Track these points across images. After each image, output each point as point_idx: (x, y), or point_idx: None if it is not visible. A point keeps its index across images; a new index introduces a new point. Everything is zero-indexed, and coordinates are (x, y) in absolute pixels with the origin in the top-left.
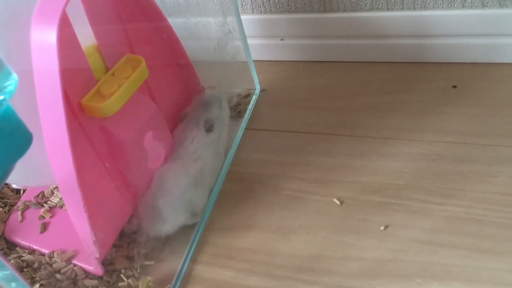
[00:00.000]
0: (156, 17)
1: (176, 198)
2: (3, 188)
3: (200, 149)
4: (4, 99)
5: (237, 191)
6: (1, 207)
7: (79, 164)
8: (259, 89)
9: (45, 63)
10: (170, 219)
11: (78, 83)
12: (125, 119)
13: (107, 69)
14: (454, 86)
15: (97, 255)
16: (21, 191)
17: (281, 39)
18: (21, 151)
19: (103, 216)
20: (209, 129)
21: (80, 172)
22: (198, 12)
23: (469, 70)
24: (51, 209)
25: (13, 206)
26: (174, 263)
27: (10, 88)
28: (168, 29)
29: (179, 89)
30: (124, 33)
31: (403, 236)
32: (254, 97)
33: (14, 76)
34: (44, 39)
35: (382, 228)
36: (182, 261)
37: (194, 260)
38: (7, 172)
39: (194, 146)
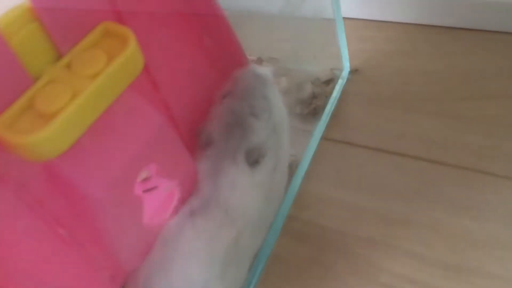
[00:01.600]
0: None
1: None
2: None
3: (239, 201)
4: None
5: (299, 259)
6: None
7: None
8: (349, 70)
9: None
10: None
11: None
12: (96, 149)
13: (59, 55)
14: None
15: None
16: None
17: None
18: None
19: None
20: (254, 160)
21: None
22: None
23: None
24: None
25: None
26: None
27: None
28: None
29: (211, 74)
30: None
31: None
32: (340, 83)
33: None
34: None
35: None
36: None
37: None
38: None
39: (228, 197)
